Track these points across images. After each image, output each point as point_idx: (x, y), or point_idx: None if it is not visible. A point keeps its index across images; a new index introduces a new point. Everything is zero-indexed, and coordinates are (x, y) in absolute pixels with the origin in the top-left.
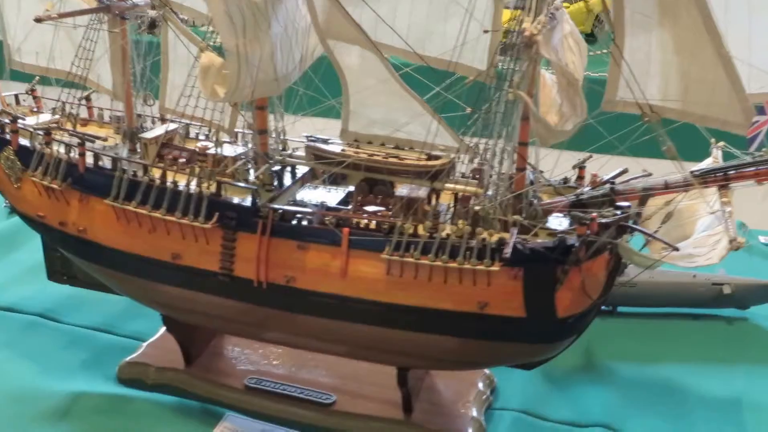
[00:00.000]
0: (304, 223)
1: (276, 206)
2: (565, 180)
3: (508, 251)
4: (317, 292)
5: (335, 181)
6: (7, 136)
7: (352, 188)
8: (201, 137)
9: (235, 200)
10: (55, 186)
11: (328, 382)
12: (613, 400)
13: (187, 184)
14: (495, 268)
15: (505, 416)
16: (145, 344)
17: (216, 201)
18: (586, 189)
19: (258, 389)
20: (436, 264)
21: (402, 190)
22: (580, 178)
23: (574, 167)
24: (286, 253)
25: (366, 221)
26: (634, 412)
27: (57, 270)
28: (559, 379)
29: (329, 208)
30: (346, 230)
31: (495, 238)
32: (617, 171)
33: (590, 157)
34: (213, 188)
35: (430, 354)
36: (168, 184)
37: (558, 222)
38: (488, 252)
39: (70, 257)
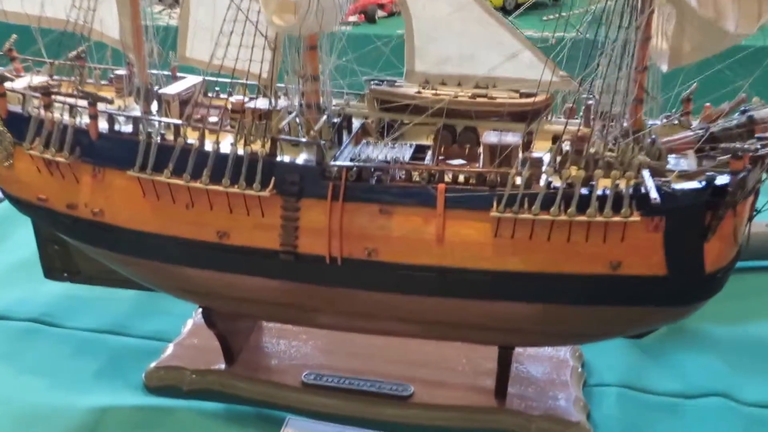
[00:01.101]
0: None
1: (351, 163)
2: (667, 117)
3: (655, 196)
4: (407, 265)
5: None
6: None
7: (415, 143)
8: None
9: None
10: (61, 159)
11: (396, 371)
12: (717, 365)
13: (236, 144)
14: (635, 218)
15: (606, 393)
16: (171, 345)
17: (273, 163)
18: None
19: (319, 386)
20: (560, 219)
21: (489, 136)
22: (686, 113)
23: (682, 100)
24: (366, 221)
25: (459, 175)
26: (746, 377)
27: (55, 266)
28: (652, 347)
29: (413, 164)
30: (441, 186)
31: (628, 183)
32: (736, 99)
33: (696, 86)
34: (261, 148)
35: (546, 328)
36: (209, 146)
37: (677, 163)
38: (626, 200)
39: (80, 247)
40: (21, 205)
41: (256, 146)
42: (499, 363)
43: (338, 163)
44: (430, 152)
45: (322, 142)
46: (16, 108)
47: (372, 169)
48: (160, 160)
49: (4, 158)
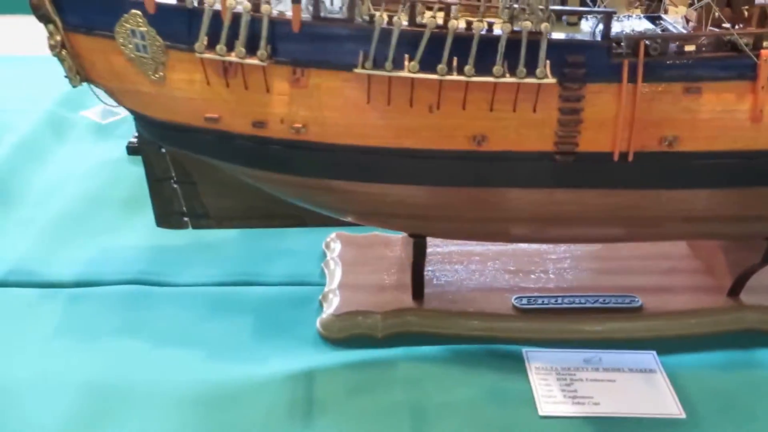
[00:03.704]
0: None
1: (654, 34)
2: None
3: None
4: (713, 153)
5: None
6: None
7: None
8: None
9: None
10: (254, 62)
11: (611, 282)
12: None
13: (511, 23)
14: None
15: None
16: (334, 288)
17: (552, 43)
18: None
19: (534, 309)
20: None
21: None
22: None
23: None
24: (668, 104)
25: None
26: None
27: (173, 210)
28: None
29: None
30: (765, 53)
31: None
32: None
33: None
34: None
35: None
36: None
37: None
38: None
39: (253, 180)
40: (172, 133)
41: (526, 24)
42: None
43: (639, 35)
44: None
45: (612, 10)
46: (169, 0)
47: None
48: (384, 52)
49: (152, 69)
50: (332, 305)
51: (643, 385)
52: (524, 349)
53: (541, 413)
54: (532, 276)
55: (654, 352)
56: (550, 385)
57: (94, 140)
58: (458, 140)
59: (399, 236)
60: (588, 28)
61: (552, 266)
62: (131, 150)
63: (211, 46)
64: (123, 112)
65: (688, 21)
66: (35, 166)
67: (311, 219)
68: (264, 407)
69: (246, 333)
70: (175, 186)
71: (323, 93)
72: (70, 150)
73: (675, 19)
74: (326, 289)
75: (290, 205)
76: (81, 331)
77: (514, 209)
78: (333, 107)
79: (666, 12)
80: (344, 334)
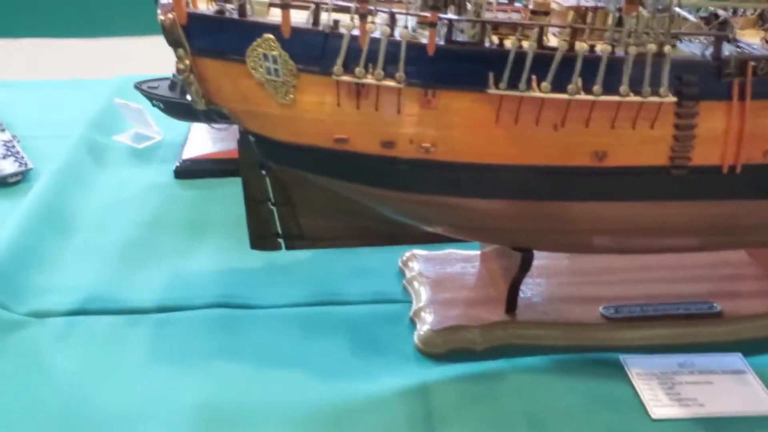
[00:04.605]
0: None
1: (757, 55)
2: None
3: None
4: None
5: None
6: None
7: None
8: None
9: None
10: (391, 84)
11: (685, 289)
12: None
13: (641, 45)
14: None
15: None
16: (425, 305)
17: (673, 63)
18: None
19: (623, 318)
20: None
21: None
22: None
23: None
24: None
25: None
26: None
27: (268, 232)
28: None
29: None
30: None
31: None
32: None
33: None
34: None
35: None
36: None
37: None
38: None
39: (379, 199)
40: (291, 153)
41: (652, 47)
42: None
43: (747, 56)
44: None
45: (723, 34)
46: (302, 23)
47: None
48: (517, 72)
49: (282, 93)
50: (428, 321)
51: (738, 386)
52: (622, 356)
53: (653, 416)
54: (613, 286)
55: (740, 354)
56: (654, 389)
57: (134, 165)
58: (580, 156)
59: (476, 252)
60: (686, 48)
61: (628, 276)
62: (179, 173)
63: (344, 68)
64: (157, 137)
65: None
66: (82, 192)
67: (405, 238)
68: (383, 423)
69: (345, 352)
70: (272, 207)
71: (453, 113)
72: (112, 175)
73: (752, 41)
74: (416, 306)
75: (387, 224)
76: (177, 356)
77: (625, 222)
78: (462, 126)
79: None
80: (444, 348)
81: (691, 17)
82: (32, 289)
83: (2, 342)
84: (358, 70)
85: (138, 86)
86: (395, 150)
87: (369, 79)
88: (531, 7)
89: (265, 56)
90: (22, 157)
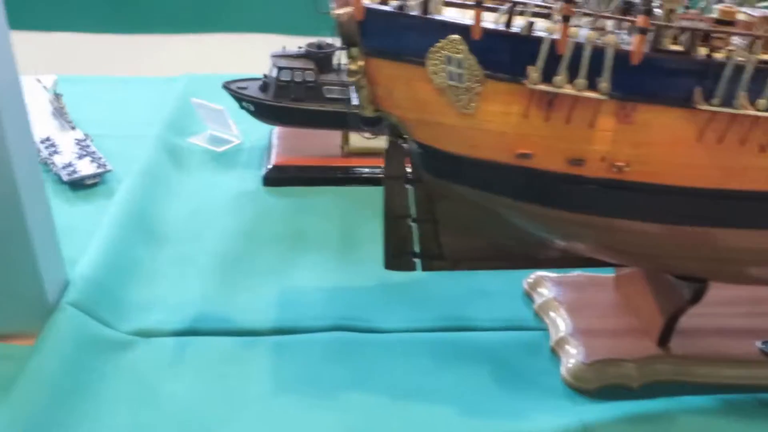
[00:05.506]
0: None
1: None
2: None
3: None
4: None
5: None
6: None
7: None
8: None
9: None
10: (593, 95)
11: None
12: None
13: None
14: None
15: None
16: (569, 335)
17: None
18: None
19: None
20: None
21: None
22: None
23: None
24: None
25: None
26: None
27: (405, 250)
28: None
29: None
30: None
31: None
32: None
33: None
34: None
35: None
36: None
37: None
38: None
39: (557, 221)
40: (461, 167)
41: None
42: None
43: None
44: None
45: None
46: (493, 24)
47: None
48: (732, 88)
49: (464, 102)
50: (574, 353)
51: None
52: None
53: None
54: (765, 318)
55: None
56: None
57: (216, 169)
58: None
59: (605, 275)
60: None
61: (747, 303)
62: (268, 181)
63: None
64: (236, 140)
65: None
66: (167, 198)
67: (546, 262)
68: None
69: (486, 383)
70: (412, 224)
71: (653, 129)
72: (195, 180)
73: None
74: (557, 335)
75: (526, 246)
76: (299, 384)
77: None
78: (660, 144)
79: None
80: (598, 384)
81: None
82: (133, 305)
83: (109, 363)
84: (559, 78)
85: (226, 86)
86: (583, 168)
87: (568, 89)
88: (715, 16)
89: (449, 59)
90: (100, 158)
